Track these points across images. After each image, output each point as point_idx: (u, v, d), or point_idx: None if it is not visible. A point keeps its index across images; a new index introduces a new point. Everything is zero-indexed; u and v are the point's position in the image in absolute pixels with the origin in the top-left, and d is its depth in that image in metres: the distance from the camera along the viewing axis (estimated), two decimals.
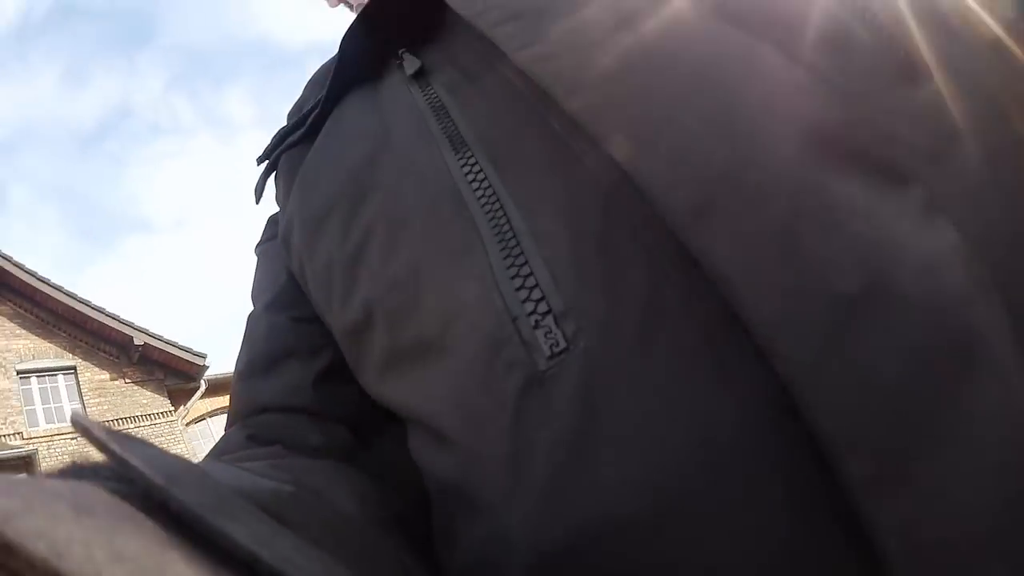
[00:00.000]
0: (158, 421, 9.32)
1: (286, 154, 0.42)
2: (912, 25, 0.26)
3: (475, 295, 0.26)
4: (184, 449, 9.03)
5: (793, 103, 0.23)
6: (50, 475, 0.17)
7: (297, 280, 0.38)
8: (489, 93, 0.31)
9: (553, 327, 0.23)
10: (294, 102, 0.47)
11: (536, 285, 0.24)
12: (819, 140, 0.22)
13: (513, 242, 0.25)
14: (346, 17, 0.49)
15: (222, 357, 9.84)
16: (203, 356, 9.69)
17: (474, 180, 0.28)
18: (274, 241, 0.42)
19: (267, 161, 0.44)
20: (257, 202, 0.45)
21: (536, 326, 0.24)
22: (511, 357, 0.24)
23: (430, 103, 0.33)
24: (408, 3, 0.36)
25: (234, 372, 0.41)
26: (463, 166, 0.29)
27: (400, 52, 0.36)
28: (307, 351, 0.37)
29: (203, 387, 9.74)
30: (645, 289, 0.23)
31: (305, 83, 0.48)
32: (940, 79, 0.25)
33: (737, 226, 0.21)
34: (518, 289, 0.24)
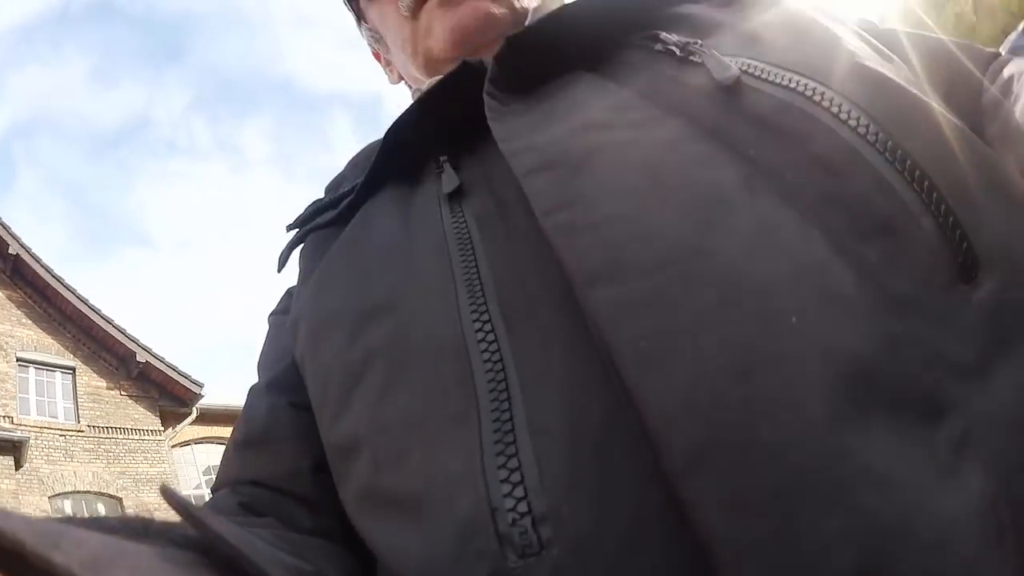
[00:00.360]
0: (146, 438, 9.58)
1: (315, 232, 0.43)
2: (975, 204, 0.24)
3: (460, 473, 0.25)
4: (168, 469, 9.44)
5: (834, 327, 0.21)
6: (126, 528, 0.20)
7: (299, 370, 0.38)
8: (517, 237, 0.30)
9: (529, 528, 0.23)
10: (333, 177, 0.48)
11: (521, 482, 0.23)
12: (854, 380, 0.20)
13: (508, 426, 0.25)
14: (381, 78, 0.54)
15: (209, 387, 10.39)
16: (200, 385, 10.09)
17: (483, 340, 0.27)
18: (286, 316, 0.42)
19: (296, 231, 0.44)
20: (279, 270, 0.45)
21: (513, 523, 0.23)
22: (483, 546, 0.23)
23: (458, 234, 0.32)
24: (460, 107, 0.36)
25: (231, 438, 0.40)
26: (475, 321, 0.28)
27: (442, 160, 0.37)
28: (304, 440, 0.36)
29: (195, 414, 10.13)
30: (631, 510, 0.22)
31: (347, 160, 0.48)
32: (1001, 274, 0.23)
33: (731, 485, 0.19)
34: (503, 481, 0.24)
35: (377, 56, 0.55)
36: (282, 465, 0.37)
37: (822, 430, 0.20)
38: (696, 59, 0.31)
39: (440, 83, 0.38)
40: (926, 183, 0.24)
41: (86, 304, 10.04)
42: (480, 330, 0.28)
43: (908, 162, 0.24)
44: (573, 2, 0.38)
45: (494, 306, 0.28)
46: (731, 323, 0.22)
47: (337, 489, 0.33)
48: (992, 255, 0.23)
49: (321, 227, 0.43)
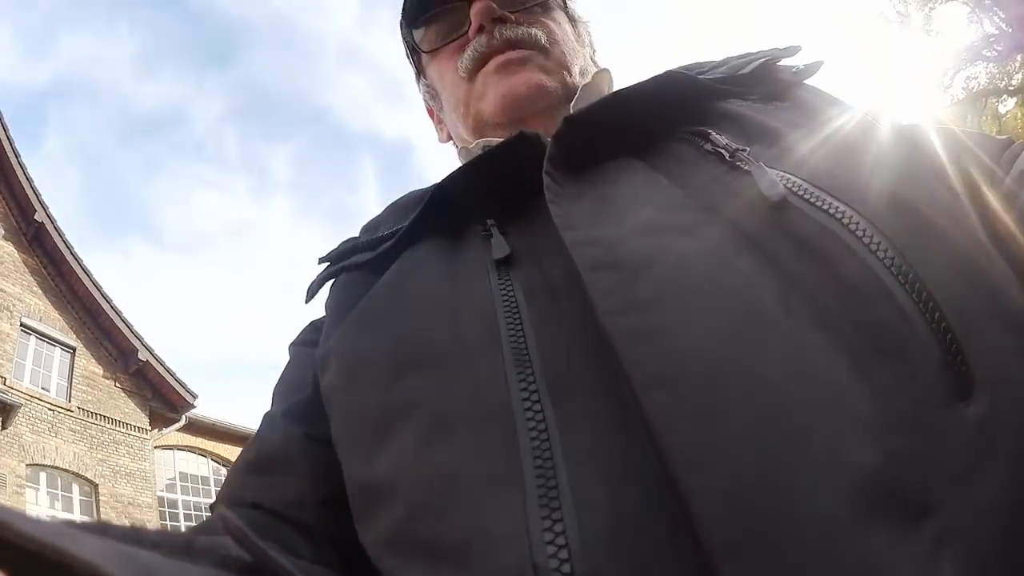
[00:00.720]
0: (132, 433, 9.57)
1: (348, 271, 0.44)
2: (977, 330, 0.26)
3: (505, 531, 0.26)
4: (147, 467, 9.45)
5: (848, 442, 0.24)
6: (169, 544, 0.22)
7: (323, 402, 0.38)
8: (563, 316, 0.32)
9: None
10: (371, 218, 0.49)
11: (566, 545, 0.25)
12: (861, 487, 0.23)
13: (554, 492, 0.26)
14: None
15: (198, 400, 10.55)
16: (194, 396, 10.22)
17: (529, 410, 0.29)
18: (309, 348, 0.43)
19: (328, 265, 0.46)
20: (307, 301, 0.46)
21: None
22: None
23: (506, 302, 0.33)
24: (511, 174, 0.38)
25: (239, 458, 0.41)
26: (523, 391, 0.29)
27: (489, 224, 0.38)
28: (316, 473, 0.37)
29: (183, 422, 10.22)
30: None
31: (387, 205, 0.49)
32: (991, 392, 0.25)
33: (761, 566, 0.22)
34: (548, 543, 0.25)
35: (431, 112, 0.60)
36: (289, 493, 0.38)
37: (835, 529, 0.22)
38: (744, 167, 0.34)
39: (496, 149, 0.40)
40: (936, 313, 0.27)
41: (99, 290, 10.09)
42: (527, 399, 0.29)
43: (924, 293, 0.27)
44: (626, 88, 0.40)
45: (541, 380, 0.30)
46: (764, 437, 0.24)
47: (357, 525, 0.34)
48: (986, 376, 0.26)
49: (356, 267, 0.44)
